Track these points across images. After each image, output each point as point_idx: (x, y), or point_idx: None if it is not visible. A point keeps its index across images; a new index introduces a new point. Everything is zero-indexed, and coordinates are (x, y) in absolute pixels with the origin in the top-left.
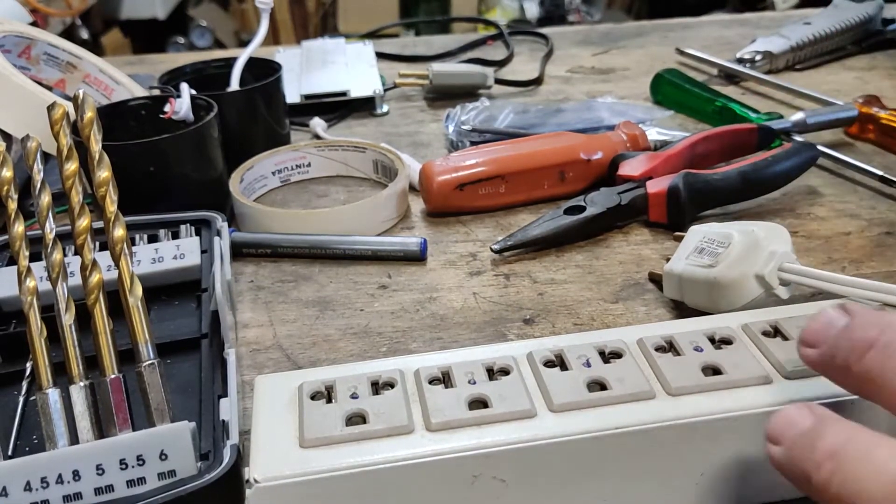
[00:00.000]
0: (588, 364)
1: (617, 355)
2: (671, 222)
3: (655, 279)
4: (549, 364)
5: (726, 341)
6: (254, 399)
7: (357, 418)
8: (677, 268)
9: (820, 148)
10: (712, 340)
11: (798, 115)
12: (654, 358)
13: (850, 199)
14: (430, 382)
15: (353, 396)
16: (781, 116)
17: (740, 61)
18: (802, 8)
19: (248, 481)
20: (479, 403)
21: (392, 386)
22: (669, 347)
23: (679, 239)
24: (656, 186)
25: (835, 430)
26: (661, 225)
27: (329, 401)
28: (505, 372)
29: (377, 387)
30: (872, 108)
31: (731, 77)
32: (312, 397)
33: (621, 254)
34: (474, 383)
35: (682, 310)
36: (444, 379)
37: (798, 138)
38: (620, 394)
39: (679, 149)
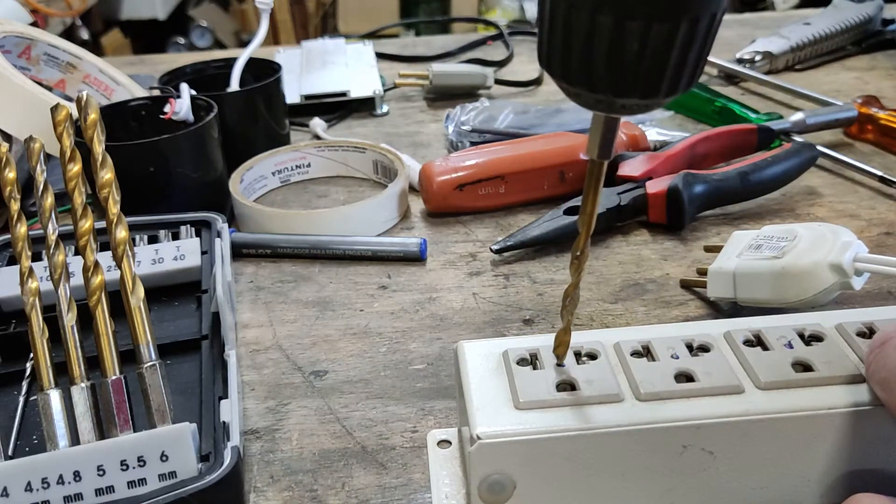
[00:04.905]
0: (790, 346)
1: (818, 339)
2: (671, 223)
3: (689, 284)
4: (748, 343)
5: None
6: (458, 363)
7: (565, 385)
8: (728, 265)
9: (819, 148)
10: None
11: (798, 116)
12: (858, 343)
13: (850, 200)
14: (632, 355)
15: (560, 364)
16: (781, 117)
17: (740, 61)
18: (802, 8)
19: (470, 438)
20: (683, 377)
21: (594, 357)
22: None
23: (712, 250)
24: (656, 187)
25: (888, 331)
26: (660, 225)
27: (534, 367)
28: (705, 349)
29: (579, 356)
30: (871, 108)
31: (730, 77)
32: (518, 363)
33: (621, 254)
34: (677, 358)
35: (718, 309)
36: (645, 352)
37: (798, 139)
38: (828, 375)
39: (679, 149)
